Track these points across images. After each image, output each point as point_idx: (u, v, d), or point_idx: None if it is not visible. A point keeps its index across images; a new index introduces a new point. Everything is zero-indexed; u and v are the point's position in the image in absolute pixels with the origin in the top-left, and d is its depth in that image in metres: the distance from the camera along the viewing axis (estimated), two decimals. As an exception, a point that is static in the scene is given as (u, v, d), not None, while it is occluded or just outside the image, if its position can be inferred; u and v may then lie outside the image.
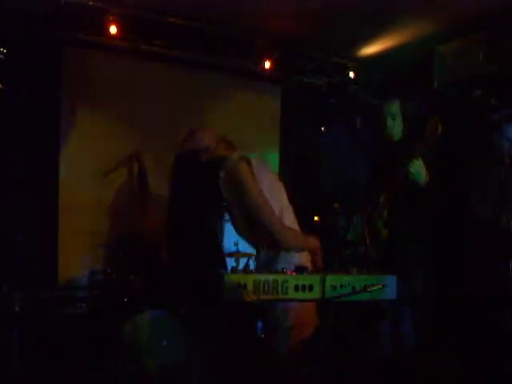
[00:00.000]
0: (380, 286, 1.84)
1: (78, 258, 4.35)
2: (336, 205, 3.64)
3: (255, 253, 2.73)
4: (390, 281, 1.89)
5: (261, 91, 5.30)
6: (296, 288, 1.72)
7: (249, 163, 2.45)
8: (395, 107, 3.41)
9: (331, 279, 1.78)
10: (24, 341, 3.35)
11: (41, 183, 4.23)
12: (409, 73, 4.63)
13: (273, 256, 2.61)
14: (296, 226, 2.82)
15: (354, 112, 4.75)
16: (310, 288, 1.74)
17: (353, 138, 4.75)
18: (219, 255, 2.48)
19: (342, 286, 1.80)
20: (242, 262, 4.46)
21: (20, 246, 3.83)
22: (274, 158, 5.31)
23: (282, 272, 1.74)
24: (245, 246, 4.38)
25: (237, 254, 4.32)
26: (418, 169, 3.10)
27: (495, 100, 2.65)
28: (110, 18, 4.22)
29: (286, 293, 1.71)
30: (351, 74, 5.17)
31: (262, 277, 1.69)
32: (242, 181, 2.39)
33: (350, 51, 4.98)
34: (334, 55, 5.07)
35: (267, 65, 4.92)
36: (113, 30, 4.25)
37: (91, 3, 4.08)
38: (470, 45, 4.22)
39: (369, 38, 4.65)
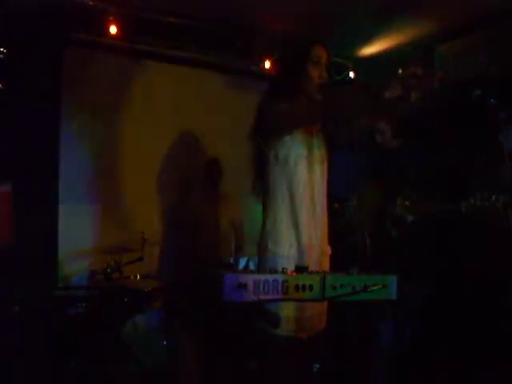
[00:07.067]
0: (380, 286, 1.83)
1: (78, 258, 4.35)
2: (336, 205, 3.65)
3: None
4: (390, 281, 1.88)
5: (261, 91, 5.28)
6: (296, 288, 1.72)
7: None
8: None
9: (331, 279, 1.78)
10: (24, 341, 3.35)
11: (41, 183, 4.22)
12: (409, 73, 4.62)
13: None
14: None
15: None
16: (310, 288, 1.74)
17: (353, 137, 4.74)
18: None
19: (342, 286, 1.80)
20: (242, 261, 4.49)
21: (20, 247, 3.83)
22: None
23: (282, 272, 1.74)
24: (245, 246, 4.41)
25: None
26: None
27: (495, 100, 2.66)
28: (110, 18, 4.23)
29: (286, 293, 1.71)
30: (351, 74, 5.17)
31: (262, 277, 1.69)
32: None
33: (350, 51, 4.99)
34: (334, 55, 5.07)
35: (267, 65, 4.93)
36: (113, 30, 4.26)
37: (91, 3, 4.09)
38: (470, 45, 4.22)
39: (369, 38, 4.66)
